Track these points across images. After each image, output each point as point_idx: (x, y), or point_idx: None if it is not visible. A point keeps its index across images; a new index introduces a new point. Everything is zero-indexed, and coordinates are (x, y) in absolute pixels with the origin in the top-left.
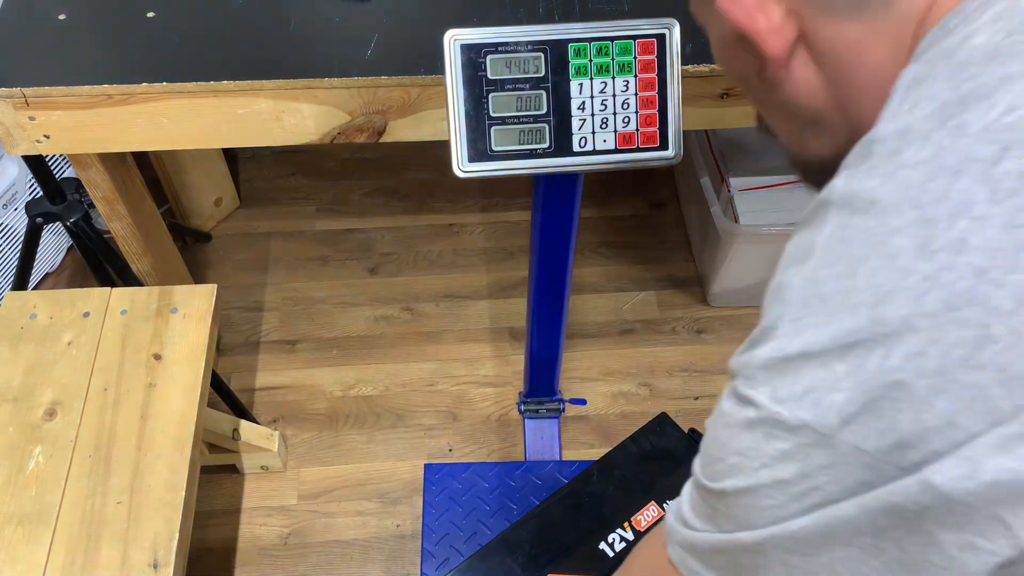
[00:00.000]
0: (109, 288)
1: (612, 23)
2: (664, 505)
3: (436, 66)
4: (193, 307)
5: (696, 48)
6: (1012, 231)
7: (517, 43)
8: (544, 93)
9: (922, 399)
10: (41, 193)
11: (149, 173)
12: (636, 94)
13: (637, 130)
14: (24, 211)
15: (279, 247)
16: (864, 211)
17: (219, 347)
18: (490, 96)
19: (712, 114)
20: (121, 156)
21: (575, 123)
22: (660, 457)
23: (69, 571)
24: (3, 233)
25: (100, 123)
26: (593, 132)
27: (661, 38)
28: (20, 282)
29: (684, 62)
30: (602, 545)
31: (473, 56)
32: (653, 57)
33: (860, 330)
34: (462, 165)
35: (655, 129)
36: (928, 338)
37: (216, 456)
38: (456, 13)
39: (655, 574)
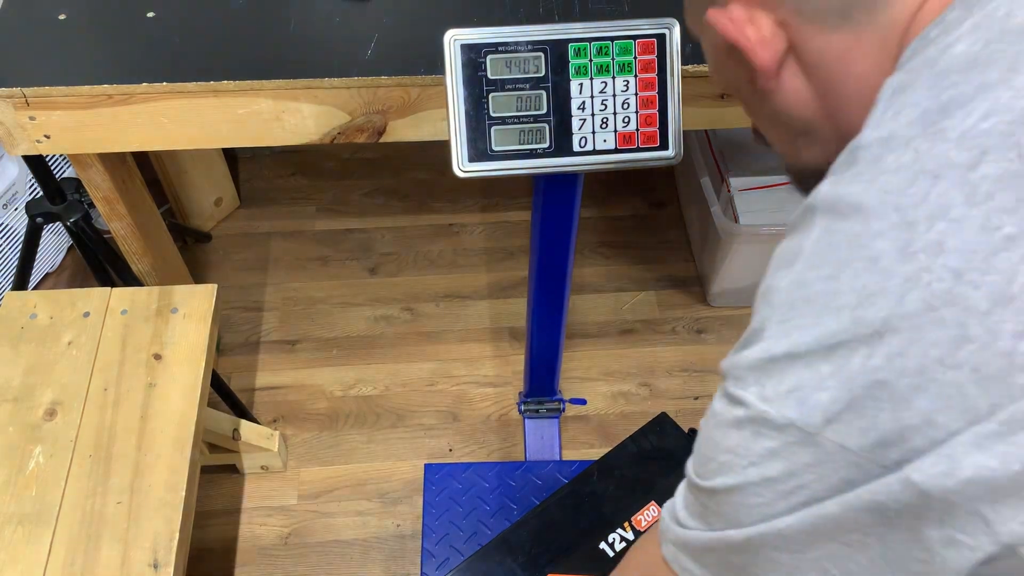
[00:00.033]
0: (109, 288)
1: (612, 23)
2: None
3: (436, 66)
4: (193, 307)
5: (696, 48)
6: (988, 233)
7: (517, 43)
8: (544, 93)
9: (903, 398)
10: (41, 193)
11: (149, 173)
12: (636, 94)
13: (637, 130)
14: (24, 211)
15: (279, 247)
16: (848, 215)
17: (219, 347)
18: (490, 96)
19: (712, 114)
20: (121, 156)
21: (575, 123)
22: (660, 457)
23: (69, 571)
24: (3, 233)
25: (100, 123)
26: (593, 132)
27: (661, 38)
28: (20, 282)
29: (684, 62)
30: (602, 545)
31: (473, 56)
32: (653, 57)
33: (843, 331)
34: (462, 165)
35: (655, 129)
36: (908, 338)
37: (216, 456)
38: (456, 13)
39: (650, 573)
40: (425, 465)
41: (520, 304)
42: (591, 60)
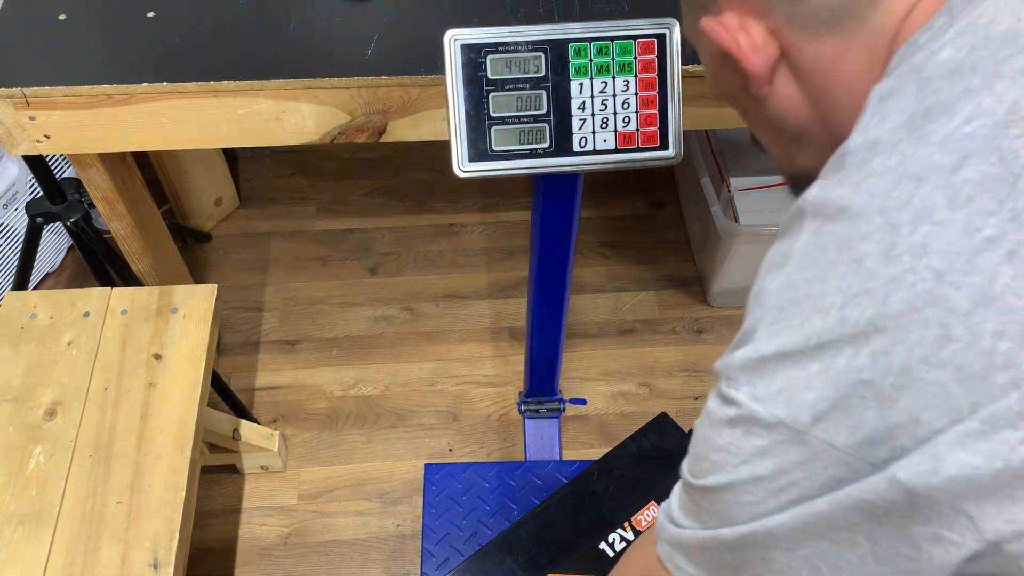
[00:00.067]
0: (109, 288)
1: (612, 23)
2: None
3: (436, 66)
4: (193, 307)
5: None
6: (970, 235)
7: (517, 43)
8: (544, 93)
9: (888, 397)
10: (41, 193)
11: (149, 173)
12: (636, 94)
13: (637, 130)
14: (24, 211)
15: (279, 247)
16: (835, 218)
17: (219, 347)
18: (490, 96)
19: (712, 114)
20: (121, 156)
21: (575, 123)
22: (660, 457)
23: (69, 571)
24: (3, 233)
25: (100, 123)
26: (593, 132)
27: (661, 38)
28: (20, 282)
29: (684, 62)
30: (602, 545)
31: (473, 56)
32: (653, 57)
33: (830, 331)
34: (462, 165)
35: (655, 129)
36: (893, 338)
37: (216, 456)
38: (456, 13)
39: (647, 572)
40: (425, 465)
41: (520, 304)
42: (591, 60)
